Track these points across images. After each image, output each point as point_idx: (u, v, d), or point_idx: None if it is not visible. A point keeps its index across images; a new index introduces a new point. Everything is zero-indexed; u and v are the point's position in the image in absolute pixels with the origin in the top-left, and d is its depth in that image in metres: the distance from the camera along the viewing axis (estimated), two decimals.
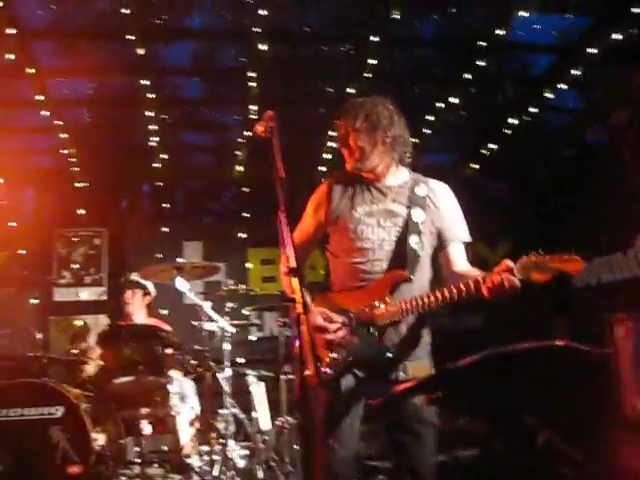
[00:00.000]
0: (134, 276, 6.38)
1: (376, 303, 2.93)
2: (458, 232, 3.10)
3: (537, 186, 9.64)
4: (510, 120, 8.44)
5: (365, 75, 7.21)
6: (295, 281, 2.39)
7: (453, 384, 2.58)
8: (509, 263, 2.68)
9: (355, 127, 3.00)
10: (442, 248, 3.09)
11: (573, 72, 7.34)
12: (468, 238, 3.12)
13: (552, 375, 2.89)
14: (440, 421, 3.07)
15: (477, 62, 7.23)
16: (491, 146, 9.10)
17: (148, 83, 7.04)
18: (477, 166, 9.64)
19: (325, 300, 3.07)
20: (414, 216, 3.00)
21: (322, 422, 2.94)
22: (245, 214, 9.49)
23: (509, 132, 8.61)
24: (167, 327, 6.06)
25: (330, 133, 8.21)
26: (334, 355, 2.93)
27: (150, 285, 6.43)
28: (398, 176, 3.12)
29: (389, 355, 2.89)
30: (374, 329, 2.91)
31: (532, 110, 8.21)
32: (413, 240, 2.97)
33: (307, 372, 2.79)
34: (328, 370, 2.93)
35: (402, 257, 2.95)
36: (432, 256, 3.10)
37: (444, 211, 3.09)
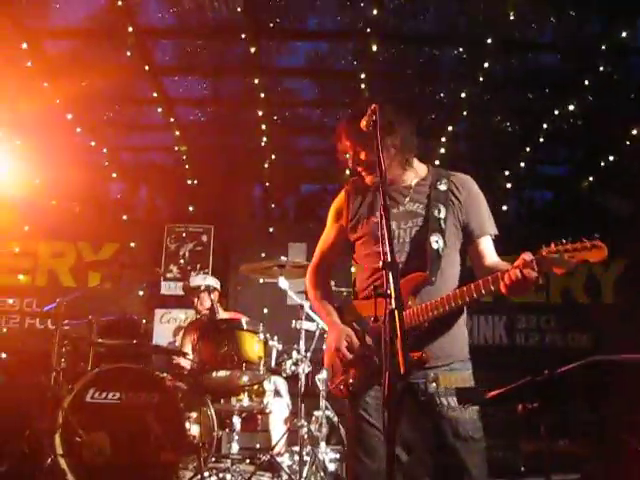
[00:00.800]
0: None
1: None
2: (485, 226, 2.96)
3: None
4: (633, 132, 8.05)
5: (479, 79, 7.06)
6: (390, 275, 2.29)
7: (551, 395, 2.42)
8: (527, 257, 2.50)
9: (359, 143, 2.91)
10: (471, 243, 2.97)
11: None
12: (495, 231, 2.97)
13: None
14: (537, 440, 2.92)
15: (598, 67, 6.93)
16: (610, 158, 8.70)
17: (259, 83, 7.12)
18: (592, 179, 9.26)
19: (349, 310, 3.04)
20: (435, 213, 2.89)
21: (352, 435, 2.91)
22: None
23: (629, 144, 8.23)
24: (260, 324, 6.10)
25: (442, 139, 8.12)
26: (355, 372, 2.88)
27: (212, 281, 6.48)
28: (416, 174, 3.03)
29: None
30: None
31: None
32: (434, 239, 2.85)
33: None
34: (352, 381, 2.88)
35: (424, 258, 2.84)
36: (461, 251, 2.99)
37: (468, 205, 2.96)
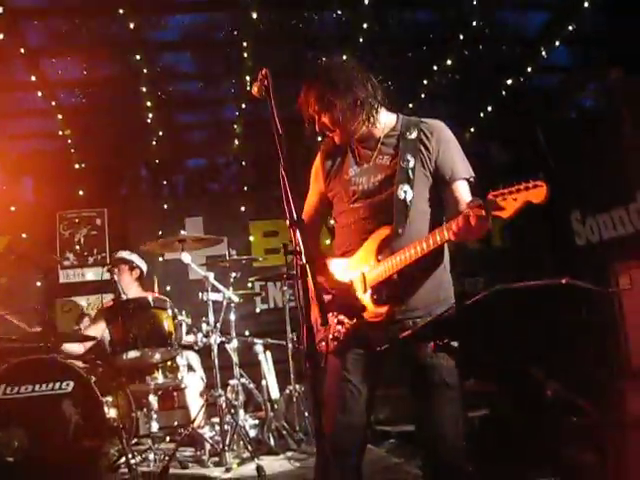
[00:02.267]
0: (119, 253, 6.42)
1: (365, 269, 2.87)
2: (457, 170, 2.89)
3: (536, 150, 9.61)
4: (507, 81, 8.41)
5: (357, 41, 7.19)
6: (297, 233, 2.34)
7: (462, 327, 2.55)
8: (474, 201, 2.51)
9: (320, 106, 2.90)
10: (445, 190, 2.91)
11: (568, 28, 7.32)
12: (470, 174, 2.90)
13: (556, 321, 2.87)
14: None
15: (471, 22, 7.19)
16: (489, 109, 9.06)
17: (139, 59, 6.99)
18: (474, 130, 9.61)
19: (324, 269, 3.03)
20: (403, 163, 2.86)
21: (328, 389, 2.91)
22: (245, 188, 9.51)
23: (505, 94, 8.60)
24: (168, 300, 6.09)
25: None
26: (338, 328, 2.90)
27: (137, 259, 6.43)
28: (384, 126, 3.00)
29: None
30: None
31: (528, 70, 8.20)
32: (401, 190, 2.83)
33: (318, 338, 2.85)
34: (331, 338, 2.91)
35: (391, 210, 2.84)
36: (435, 199, 2.93)
37: (439, 150, 2.91)
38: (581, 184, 8.16)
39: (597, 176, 7.77)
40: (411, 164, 2.86)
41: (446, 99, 9.27)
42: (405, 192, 2.83)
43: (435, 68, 8.00)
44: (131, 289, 6.25)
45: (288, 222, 2.37)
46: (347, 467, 2.82)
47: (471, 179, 2.88)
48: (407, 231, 2.81)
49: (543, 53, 7.93)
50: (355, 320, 2.87)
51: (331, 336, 2.89)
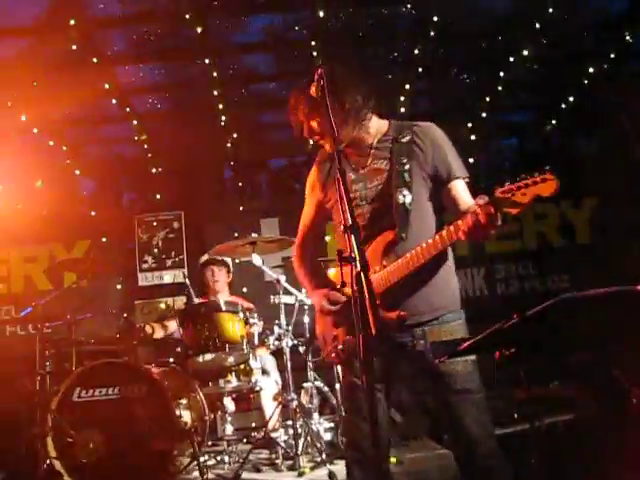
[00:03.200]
0: (217, 255, 6.47)
1: (371, 275, 2.75)
2: (453, 170, 2.87)
3: (622, 139, 9.21)
4: (590, 70, 8.08)
5: (430, 34, 7.03)
6: (352, 238, 2.27)
7: (527, 338, 2.41)
8: (481, 200, 2.45)
9: (309, 111, 2.88)
10: (442, 190, 2.89)
11: None
12: (466, 173, 2.89)
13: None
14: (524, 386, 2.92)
15: (547, 9, 6.92)
16: (571, 99, 8.72)
17: (210, 62, 7.04)
18: (556, 122, 9.30)
19: (327, 279, 3.07)
20: (399, 167, 2.83)
21: (346, 399, 3.00)
22: None
23: (588, 83, 8.26)
24: (248, 304, 6.11)
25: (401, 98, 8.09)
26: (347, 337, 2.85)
27: (230, 263, 6.50)
28: (376, 132, 2.97)
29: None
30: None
31: (612, 56, 7.85)
32: (400, 193, 2.80)
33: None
34: (341, 347, 2.87)
35: (392, 215, 2.80)
36: (434, 200, 2.92)
37: (433, 152, 2.88)
38: None
39: None
40: (407, 167, 2.84)
41: (524, 90, 8.97)
42: (404, 196, 2.80)
43: (512, 59, 7.73)
44: (224, 292, 6.35)
45: (342, 228, 2.31)
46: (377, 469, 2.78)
47: (466, 179, 2.88)
48: (410, 235, 2.78)
49: (627, 37, 7.57)
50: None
51: (341, 347, 2.86)
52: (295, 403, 5.46)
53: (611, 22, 7.76)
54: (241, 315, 5.53)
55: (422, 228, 2.83)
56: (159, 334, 6.23)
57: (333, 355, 2.90)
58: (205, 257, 6.61)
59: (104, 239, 8.63)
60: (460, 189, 2.87)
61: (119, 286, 8.17)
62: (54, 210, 8.62)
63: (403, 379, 3.08)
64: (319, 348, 3.07)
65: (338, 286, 2.68)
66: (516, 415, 6.36)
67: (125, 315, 6.04)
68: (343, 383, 2.99)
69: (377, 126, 2.98)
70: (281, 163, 10.14)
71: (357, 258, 2.24)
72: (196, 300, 5.63)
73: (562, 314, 2.20)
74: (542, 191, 2.31)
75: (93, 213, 8.73)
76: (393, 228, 2.79)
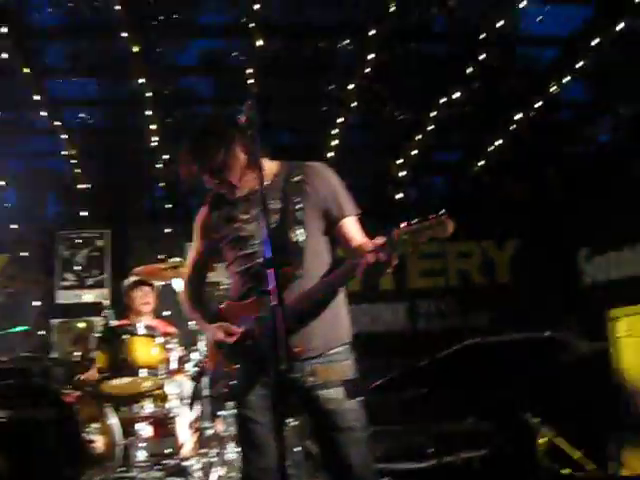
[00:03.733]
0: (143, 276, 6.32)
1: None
2: (343, 208, 2.92)
3: (546, 184, 9.53)
4: (517, 116, 8.34)
5: (365, 71, 7.14)
6: (271, 272, 2.34)
7: (439, 378, 2.47)
8: (378, 240, 2.52)
9: (199, 165, 2.88)
10: (334, 228, 2.93)
11: (579, 64, 7.26)
12: (356, 210, 2.95)
13: (548, 371, 2.77)
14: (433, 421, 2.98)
15: (480, 56, 7.13)
16: (498, 143, 8.98)
17: (146, 82, 6.98)
18: (483, 163, 9.54)
19: (220, 314, 3.02)
20: (291, 206, 2.87)
21: (240, 435, 2.92)
22: None
23: (515, 128, 8.52)
24: (171, 329, 6.00)
25: (332, 132, 8.19)
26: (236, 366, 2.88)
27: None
28: (267, 172, 2.92)
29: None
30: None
31: (538, 105, 8.12)
32: (294, 232, 2.84)
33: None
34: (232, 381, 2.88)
35: (286, 253, 2.80)
36: (328, 237, 2.97)
37: (323, 190, 2.92)
38: (590, 221, 8.04)
39: (608, 213, 7.64)
40: (299, 205, 2.87)
41: (454, 131, 9.19)
42: (298, 234, 2.83)
43: (444, 100, 7.92)
44: (148, 314, 6.18)
45: (261, 261, 2.49)
46: None
47: (357, 215, 2.93)
48: (305, 272, 2.82)
49: (554, 87, 7.86)
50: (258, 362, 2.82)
51: (234, 382, 2.86)
52: (210, 431, 5.37)
53: (540, 70, 8.05)
54: (159, 340, 5.43)
55: (317, 265, 2.88)
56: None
57: (224, 390, 2.96)
58: (134, 277, 6.43)
59: (23, 254, 8.37)
60: (352, 226, 2.92)
61: (36, 303, 7.92)
62: None
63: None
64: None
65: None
66: (433, 450, 6.43)
67: (43, 333, 5.87)
68: (237, 418, 2.92)
69: (269, 167, 2.97)
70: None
71: (272, 293, 2.31)
72: (114, 322, 5.49)
73: (468, 358, 2.27)
74: (437, 233, 2.40)
75: (13, 226, 8.46)
76: (289, 266, 2.79)
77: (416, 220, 2.42)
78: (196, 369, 5.63)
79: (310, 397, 2.79)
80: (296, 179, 2.93)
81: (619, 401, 4.46)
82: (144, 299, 6.20)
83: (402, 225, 2.45)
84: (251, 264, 2.90)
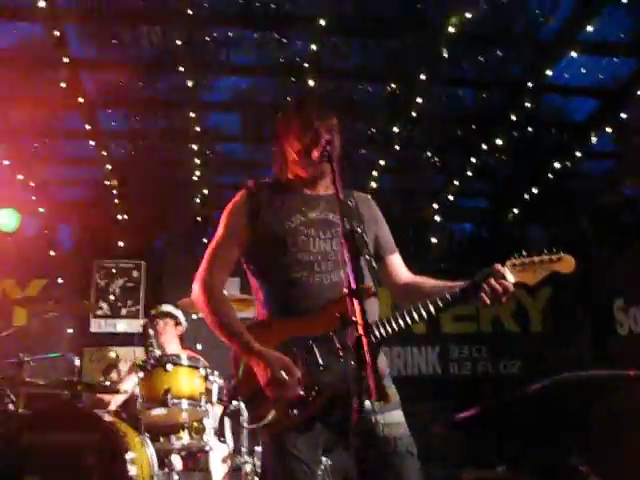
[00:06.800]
0: (165, 307, 6.35)
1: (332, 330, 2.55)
2: (392, 242, 2.94)
3: (578, 233, 9.52)
4: (555, 165, 8.38)
5: (409, 115, 7.23)
6: (356, 302, 2.11)
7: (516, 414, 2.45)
8: (499, 267, 2.52)
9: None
10: (382, 259, 2.89)
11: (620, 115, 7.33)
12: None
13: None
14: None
15: (522, 104, 7.21)
16: (534, 191, 9.01)
17: (193, 116, 7.10)
18: (518, 211, 9.57)
19: (269, 332, 2.67)
20: (355, 227, 2.63)
21: (280, 474, 2.56)
22: None
23: (552, 177, 8.56)
24: (202, 360, 6.00)
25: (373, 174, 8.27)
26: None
27: (181, 316, 6.36)
28: (328, 186, 2.76)
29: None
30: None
31: (576, 155, 8.17)
32: (365, 252, 2.68)
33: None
34: (296, 412, 2.52)
35: (355, 269, 2.36)
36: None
37: (375, 221, 2.89)
38: (625, 272, 8.02)
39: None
40: (361, 227, 2.75)
41: (491, 178, 9.24)
42: (368, 255, 2.71)
43: (484, 147, 7.98)
44: (172, 345, 6.17)
45: (346, 290, 2.15)
46: None
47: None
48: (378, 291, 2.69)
49: (592, 139, 7.91)
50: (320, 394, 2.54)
51: (296, 411, 2.51)
52: (249, 467, 5.32)
53: (578, 122, 8.11)
54: (202, 372, 5.42)
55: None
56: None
57: (269, 423, 2.52)
58: (152, 311, 6.45)
59: (60, 280, 8.44)
60: (399, 261, 2.93)
61: (70, 330, 7.96)
62: (12, 245, 8.42)
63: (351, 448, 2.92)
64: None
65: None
66: None
67: (77, 360, 5.86)
68: (272, 456, 2.61)
69: (327, 181, 2.76)
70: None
71: (359, 322, 2.06)
72: (157, 352, 5.49)
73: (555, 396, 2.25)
74: (559, 268, 2.44)
75: (52, 253, 8.56)
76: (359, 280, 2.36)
77: (527, 254, 2.42)
78: (235, 403, 5.61)
79: (367, 422, 2.50)
80: (349, 203, 2.82)
81: None
82: (161, 330, 6.19)
83: (514, 258, 2.48)
84: (307, 273, 2.65)
